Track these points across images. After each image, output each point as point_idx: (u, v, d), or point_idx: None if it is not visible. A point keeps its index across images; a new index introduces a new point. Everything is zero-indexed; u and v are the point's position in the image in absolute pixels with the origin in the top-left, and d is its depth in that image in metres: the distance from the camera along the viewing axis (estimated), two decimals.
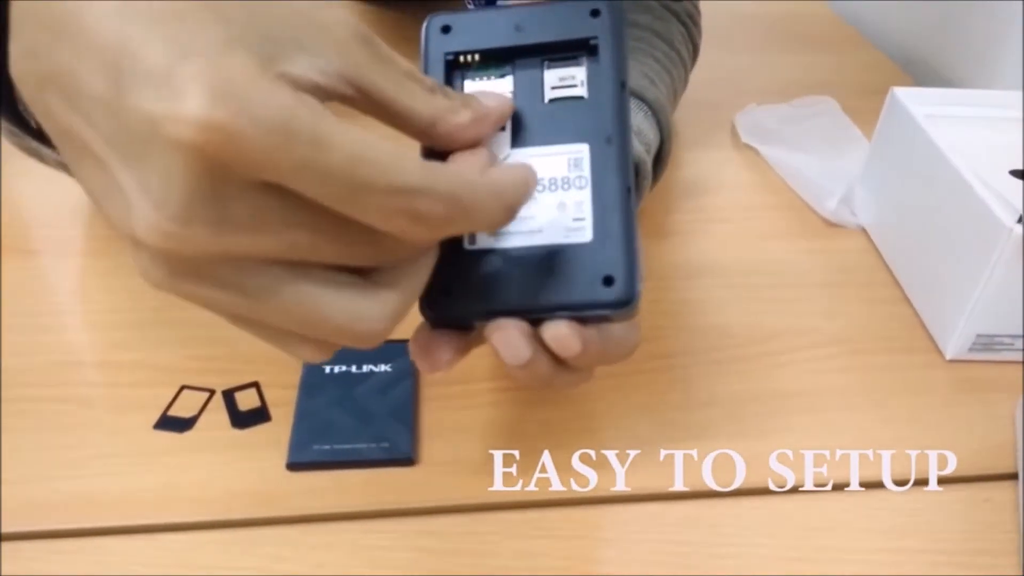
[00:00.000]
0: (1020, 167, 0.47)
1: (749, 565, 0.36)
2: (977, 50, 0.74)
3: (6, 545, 0.36)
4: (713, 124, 0.68)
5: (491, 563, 0.36)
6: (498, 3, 0.33)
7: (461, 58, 0.33)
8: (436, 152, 0.30)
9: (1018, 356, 0.45)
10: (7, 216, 0.55)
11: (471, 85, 0.33)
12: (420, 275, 0.29)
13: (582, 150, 0.32)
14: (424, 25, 0.33)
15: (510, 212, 0.28)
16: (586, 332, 0.31)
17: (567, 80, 0.33)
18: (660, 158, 0.52)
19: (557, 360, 0.31)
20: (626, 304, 0.30)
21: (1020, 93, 0.54)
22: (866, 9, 0.90)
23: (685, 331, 0.48)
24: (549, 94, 0.33)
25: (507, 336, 0.30)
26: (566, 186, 0.31)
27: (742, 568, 0.36)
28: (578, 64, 0.33)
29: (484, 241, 0.31)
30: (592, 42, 0.32)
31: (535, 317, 0.31)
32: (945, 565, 0.36)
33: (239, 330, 0.45)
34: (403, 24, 0.82)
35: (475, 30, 0.33)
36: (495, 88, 0.33)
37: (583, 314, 0.31)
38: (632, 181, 0.31)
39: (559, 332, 0.30)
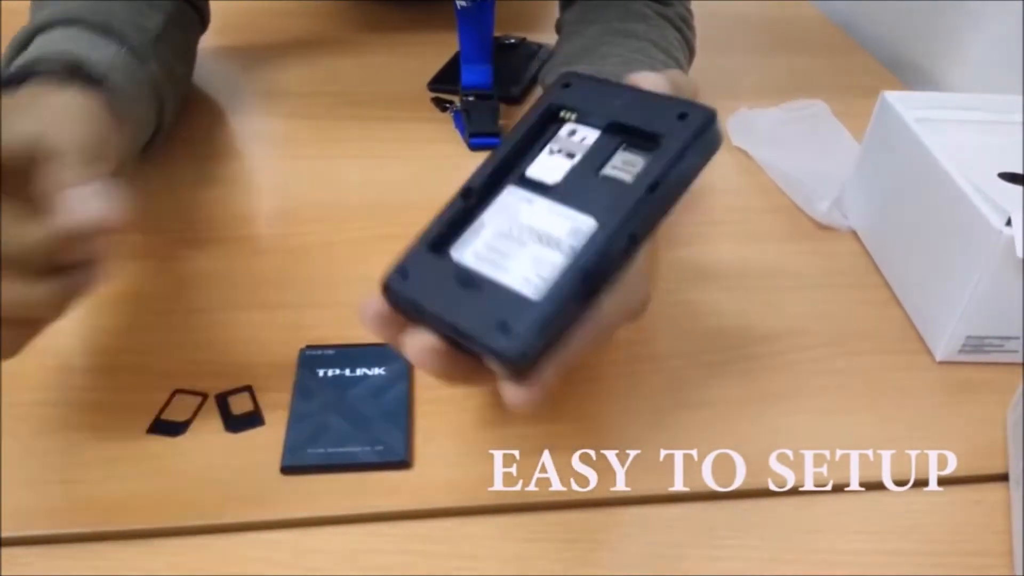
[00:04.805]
0: (1008, 170, 0.47)
1: (743, 567, 0.36)
2: (967, 54, 0.74)
3: None
4: None
5: (486, 567, 0.36)
6: (618, 80, 0.37)
7: (561, 113, 0.36)
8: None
9: (1007, 358, 0.46)
10: None
11: (562, 138, 0.36)
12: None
13: (588, 224, 0.32)
14: (556, 78, 0.38)
15: None
16: (459, 358, 0.32)
17: (628, 164, 0.34)
18: None
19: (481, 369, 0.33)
20: (506, 358, 0.30)
21: (1009, 97, 0.54)
22: (857, 12, 0.91)
23: (678, 333, 0.48)
24: (606, 170, 0.34)
25: (420, 345, 0.32)
26: (552, 246, 0.32)
27: (735, 571, 0.36)
28: (644, 154, 0.34)
29: (460, 254, 0.33)
30: (660, 139, 0.33)
31: (449, 335, 0.32)
32: (938, 566, 0.36)
33: (232, 334, 0.46)
34: (388, 18, 0.82)
35: (587, 94, 0.36)
36: (569, 147, 0.35)
37: (477, 348, 0.31)
38: (604, 282, 0.32)
39: (423, 343, 0.32)
